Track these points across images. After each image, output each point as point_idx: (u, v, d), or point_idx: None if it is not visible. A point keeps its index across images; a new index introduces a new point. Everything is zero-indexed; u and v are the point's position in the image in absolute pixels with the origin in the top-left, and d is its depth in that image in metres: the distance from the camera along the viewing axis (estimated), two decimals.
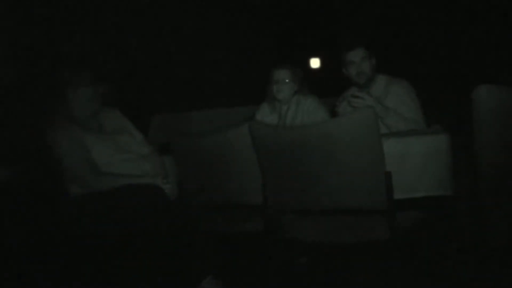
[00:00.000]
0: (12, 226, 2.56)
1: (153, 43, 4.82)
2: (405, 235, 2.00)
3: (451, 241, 2.33)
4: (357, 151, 1.92)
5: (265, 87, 2.97)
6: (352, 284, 2.25)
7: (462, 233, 2.29)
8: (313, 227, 2.24)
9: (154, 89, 4.75)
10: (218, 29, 5.56)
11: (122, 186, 2.15)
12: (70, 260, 2.13)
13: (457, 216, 2.27)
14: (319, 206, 2.10)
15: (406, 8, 6.16)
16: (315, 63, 8.42)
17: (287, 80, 2.85)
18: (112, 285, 2.03)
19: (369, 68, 2.65)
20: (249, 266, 2.45)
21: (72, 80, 2.35)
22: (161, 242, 2.01)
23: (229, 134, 2.29)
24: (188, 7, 5.28)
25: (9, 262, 2.41)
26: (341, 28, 6.78)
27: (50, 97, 2.44)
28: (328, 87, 2.83)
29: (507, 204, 1.91)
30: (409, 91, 2.59)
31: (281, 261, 2.31)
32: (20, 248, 2.48)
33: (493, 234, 1.98)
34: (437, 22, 5.98)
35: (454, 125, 2.19)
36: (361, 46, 2.67)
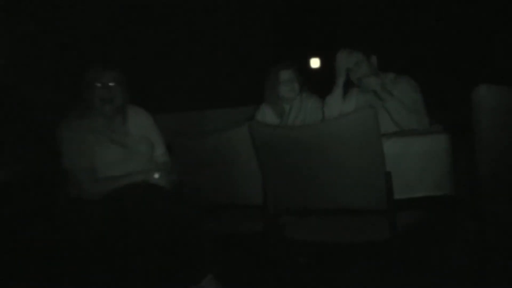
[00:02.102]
0: (12, 225, 2.56)
1: (152, 43, 4.82)
2: (405, 235, 2.00)
3: (451, 241, 2.33)
4: (357, 151, 1.92)
5: (266, 87, 2.97)
6: (352, 284, 2.25)
7: (462, 233, 2.29)
8: (313, 227, 2.24)
9: (153, 89, 4.75)
10: (217, 29, 5.56)
11: (116, 189, 2.13)
12: (69, 260, 2.13)
13: (457, 216, 2.27)
14: (319, 206, 2.10)
15: (406, 7, 6.16)
16: (315, 63, 8.41)
17: (293, 80, 2.87)
18: (112, 285, 2.03)
19: (366, 71, 2.63)
20: (249, 266, 2.45)
21: (90, 78, 2.29)
22: (160, 242, 2.01)
23: (229, 134, 2.29)
24: (187, 7, 5.28)
25: (9, 262, 2.41)
26: (341, 28, 6.78)
27: (66, 95, 2.38)
28: (328, 87, 2.82)
29: (507, 204, 1.91)
30: (414, 88, 2.58)
31: (281, 261, 2.31)
32: (20, 247, 2.48)
33: (493, 234, 1.98)
34: (437, 21, 5.98)
35: (454, 125, 2.19)
36: (355, 52, 2.65)
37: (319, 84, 3.12)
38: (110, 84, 2.31)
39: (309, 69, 8.32)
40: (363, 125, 1.89)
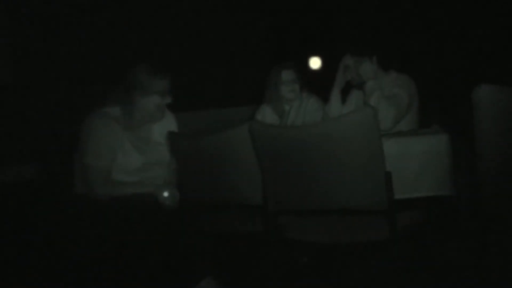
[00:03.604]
0: (12, 226, 2.57)
1: (152, 44, 4.82)
2: (405, 235, 2.00)
3: (451, 241, 2.33)
4: (357, 151, 1.92)
5: (266, 87, 2.97)
6: (352, 284, 2.25)
7: (462, 233, 2.29)
8: (313, 227, 2.24)
9: None
10: (216, 29, 5.57)
11: (121, 196, 2.13)
12: (69, 260, 2.13)
13: (457, 216, 2.27)
14: (319, 206, 2.10)
15: (406, 7, 6.16)
16: (315, 63, 8.41)
17: (294, 81, 2.88)
18: (111, 285, 2.03)
19: (360, 71, 2.60)
20: (249, 266, 2.45)
21: (147, 84, 2.23)
22: (160, 242, 2.01)
23: (229, 134, 2.29)
24: (186, 7, 5.28)
25: (10, 260, 2.41)
26: (341, 28, 6.78)
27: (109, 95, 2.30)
28: (328, 87, 2.83)
29: (507, 204, 1.91)
30: (401, 86, 2.56)
31: (281, 261, 2.31)
32: (20, 246, 2.48)
33: (493, 235, 1.98)
34: (437, 21, 5.98)
35: (454, 125, 2.19)
36: (350, 51, 2.65)
37: (319, 84, 3.13)
38: (165, 92, 2.29)
39: (309, 69, 8.32)
40: (363, 125, 1.89)
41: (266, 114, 2.98)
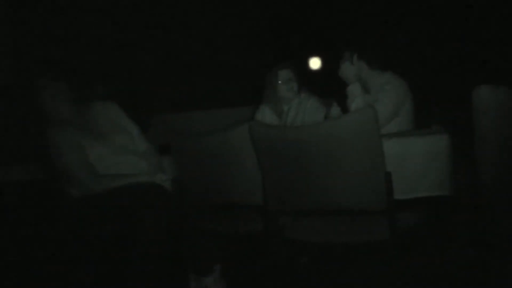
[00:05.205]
0: (12, 226, 2.57)
1: (153, 45, 4.82)
2: (405, 235, 2.00)
3: (451, 241, 2.33)
4: (357, 151, 1.92)
5: (265, 87, 2.98)
6: (352, 284, 2.25)
7: (462, 233, 2.29)
8: (313, 227, 2.24)
9: (154, 90, 4.75)
10: (217, 30, 5.57)
11: (120, 187, 2.14)
12: (69, 261, 2.13)
13: (457, 216, 2.27)
14: (319, 206, 2.10)
15: (406, 7, 6.16)
16: (315, 63, 8.40)
17: (291, 80, 2.88)
18: (112, 285, 2.04)
19: (340, 73, 2.59)
20: (249, 266, 2.45)
21: (39, 82, 2.33)
22: (160, 241, 2.01)
23: (229, 134, 2.29)
24: (188, 9, 5.29)
25: (9, 263, 2.41)
26: (341, 29, 6.78)
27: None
28: (328, 87, 2.83)
29: (507, 204, 1.91)
30: (389, 91, 2.46)
31: (281, 261, 2.31)
32: (20, 249, 2.48)
33: (493, 234, 1.98)
34: (437, 21, 5.98)
35: (454, 125, 2.19)
36: (343, 50, 2.64)
37: (319, 85, 3.13)
38: (59, 80, 2.36)
39: (309, 70, 8.32)
40: (363, 125, 1.89)
41: (266, 114, 2.98)
